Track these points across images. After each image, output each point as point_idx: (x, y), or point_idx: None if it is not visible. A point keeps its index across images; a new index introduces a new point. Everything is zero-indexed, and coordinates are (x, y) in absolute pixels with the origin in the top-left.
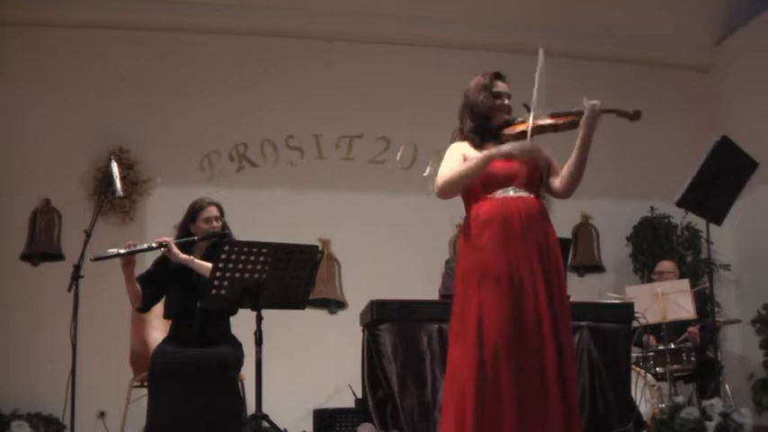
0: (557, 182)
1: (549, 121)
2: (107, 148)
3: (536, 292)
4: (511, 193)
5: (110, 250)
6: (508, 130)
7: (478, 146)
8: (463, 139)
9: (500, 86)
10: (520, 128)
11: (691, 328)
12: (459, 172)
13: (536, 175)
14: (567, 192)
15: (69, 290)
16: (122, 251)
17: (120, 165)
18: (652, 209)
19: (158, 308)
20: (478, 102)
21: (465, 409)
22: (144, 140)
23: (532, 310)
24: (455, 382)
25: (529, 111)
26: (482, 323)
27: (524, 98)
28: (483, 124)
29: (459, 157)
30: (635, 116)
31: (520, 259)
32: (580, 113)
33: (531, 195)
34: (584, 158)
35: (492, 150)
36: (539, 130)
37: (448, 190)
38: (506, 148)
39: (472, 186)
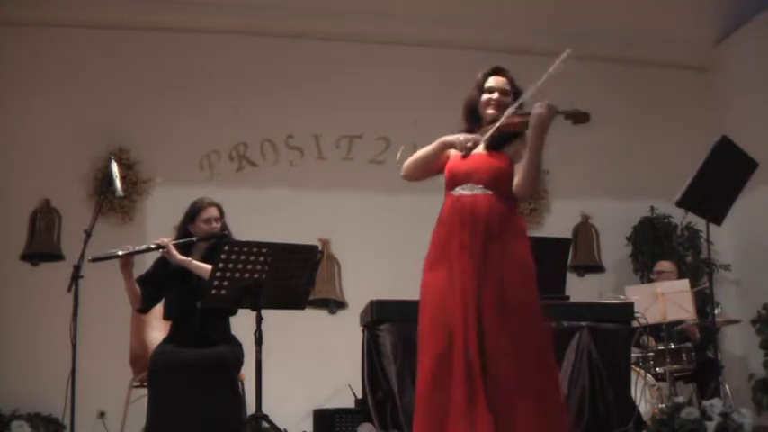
0: (514, 183)
1: (513, 120)
2: (107, 148)
3: (464, 291)
4: (465, 191)
5: (108, 251)
6: (486, 126)
7: None
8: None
9: (492, 81)
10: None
11: (687, 322)
12: (417, 155)
13: (503, 175)
14: (522, 193)
15: (69, 290)
16: (121, 252)
17: (119, 165)
18: (652, 209)
19: (158, 308)
20: (468, 98)
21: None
22: (144, 140)
23: (471, 313)
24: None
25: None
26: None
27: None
28: (471, 119)
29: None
30: (583, 118)
31: (459, 258)
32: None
33: (490, 193)
34: (533, 161)
35: (444, 137)
36: (501, 129)
37: (408, 171)
38: (453, 137)
39: (445, 182)
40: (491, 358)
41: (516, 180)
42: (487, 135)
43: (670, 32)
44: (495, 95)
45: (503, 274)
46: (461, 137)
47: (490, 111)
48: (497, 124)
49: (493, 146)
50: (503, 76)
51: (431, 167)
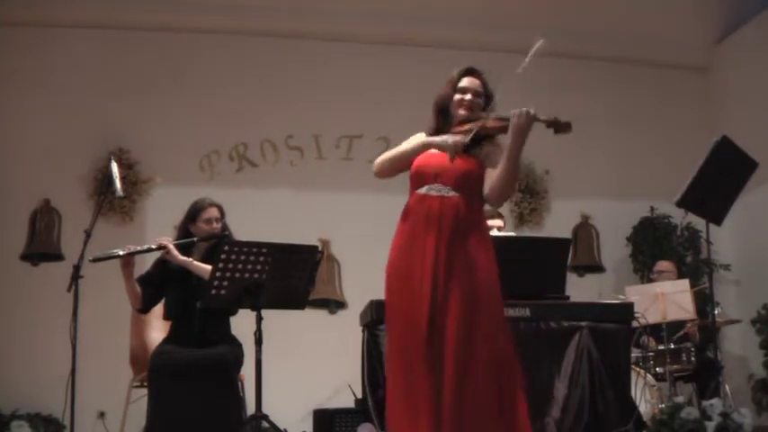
0: (486, 188)
1: (488, 124)
2: (107, 148)
3: (435, 295)
4: (432, 191)
5: (109, 251)
6: (457, 126)
7: None
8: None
9: (466, 81)
10: (466, 126)
11: (689, 325)
12: (394, 153)
13: (471, 176)
14: (495, 200)
15: (69, 290)
16: (121, 252)
17: (119, 165)
18: (652, 209)
19: (158, 308)
20: (440, 95)
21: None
22: (144, 141)
23: (426, 315)
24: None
25: (484, 110)
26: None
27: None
28: (441, 117)
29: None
30: (564, 128)
31: (422, 259)
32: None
33: (457, 195)
34: (511, 167)
35: (428, 138)
36: (478, 132)
37: (381, 168)
38: (440, 139)
39: (411, 180)
40: (455, 366)
41: (490, 185)
42: (470, 136)
43: (669, 32)
44: (468, 96)
45: (468, 283)
46: (449, 139)
47: (462, 111)
48: (476, 124)
49: (463, 148)
50: (477, 77)
51: (405, 166)
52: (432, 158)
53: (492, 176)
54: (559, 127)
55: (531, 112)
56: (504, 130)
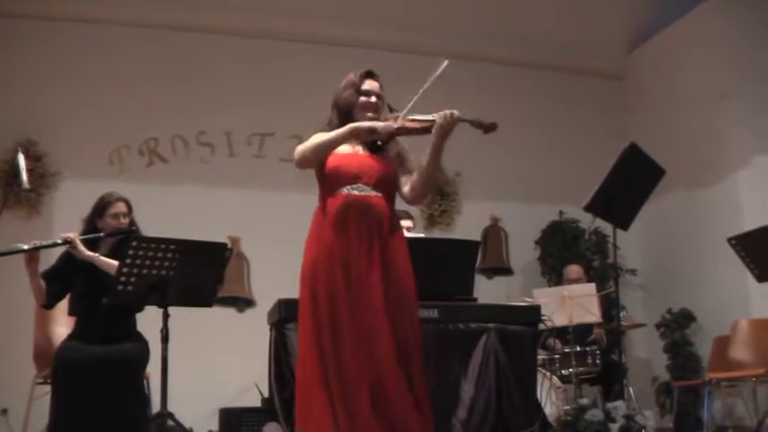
0: (407, 188)
1: (407, 125)
2: (14, 139)
3: (370, 293)
4: (355, 191)
5: (13, 246)
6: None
7: None
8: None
9: (368, 84)
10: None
11: (597, 330)
12: (319, 141)
13: (389, 177)
14: (416, 198)
15: None
16: (26, 247)
17: (27, 157)
18: (561, 213)
19: (63, 303)
20: (342, 98)
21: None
22: (52, 133)
23: (366, 310)
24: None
25: (391, 111)
26: (324, 315)
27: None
28: (345, 120)
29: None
30: (490, 128)
31: (354, 258)
32: (434, 121)
33: (379, 195)
34: (435, 166)
35: (356, 123)
36: (398, 131)
37: (304, 156)
38: (370, 123)
39: (324, 180)
40: (383, 362)
41: (412, 186)
42: (396, 126)
43: (583, 39)
44: (374, 99)
45: (393, 282)
46: (380, 123)
47: (370, 114)
48: (396, 125)
49: (371, 148)
50: (376, 80)
51: (328, 155)
52: (349, 159)
53: (412, 178)
54: (486, 127)
55: (456, 113)
56: (425, 130)
